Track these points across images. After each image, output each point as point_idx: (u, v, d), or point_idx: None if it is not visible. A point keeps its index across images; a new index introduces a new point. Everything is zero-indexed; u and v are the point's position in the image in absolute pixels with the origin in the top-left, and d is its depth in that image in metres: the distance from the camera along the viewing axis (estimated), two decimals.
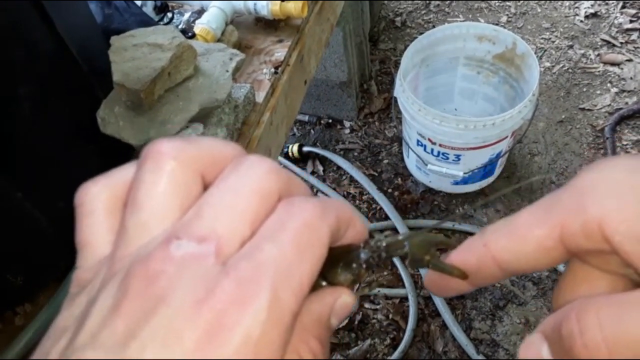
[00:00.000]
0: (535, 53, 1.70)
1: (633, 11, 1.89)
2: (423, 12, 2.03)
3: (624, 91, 1.70)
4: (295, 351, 0.18)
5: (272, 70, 0.81)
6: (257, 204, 0.18)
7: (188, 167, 0.19)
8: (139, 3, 0.82)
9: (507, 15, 1.97)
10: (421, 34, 1.41)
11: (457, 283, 0.25)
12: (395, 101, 1.37)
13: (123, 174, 0.21)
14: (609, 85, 1.72)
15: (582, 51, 1.82)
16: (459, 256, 0.24)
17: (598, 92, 1.71)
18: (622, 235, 0.19)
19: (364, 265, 0.22)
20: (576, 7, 1.95)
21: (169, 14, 0.87)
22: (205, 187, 0.20)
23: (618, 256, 0.19)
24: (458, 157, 1.35)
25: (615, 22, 1.88)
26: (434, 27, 1.91)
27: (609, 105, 1.67)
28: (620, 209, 0.19)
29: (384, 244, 0.23)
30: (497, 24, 1.88)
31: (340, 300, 0.21)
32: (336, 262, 0.22)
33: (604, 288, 0.22)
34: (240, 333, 0.15)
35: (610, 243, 0.19)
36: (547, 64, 1.80)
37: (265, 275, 0.16)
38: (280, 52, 0.83)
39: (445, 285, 0.26)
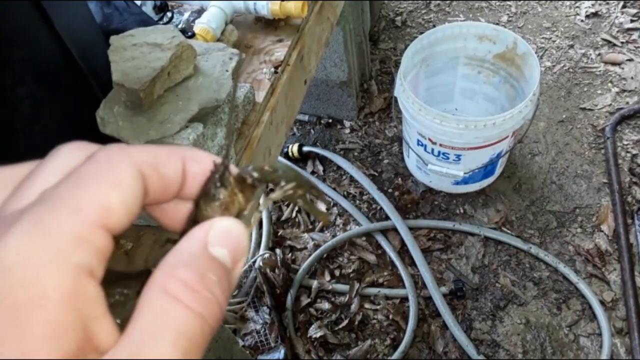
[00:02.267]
0: (536, 52, 1.70)
1: (634, 11, 1.89)
2: (423, 11, 2.03)
3: (624, 91, 1.70)
4: (160, 288, 0.18)
5: (272, 69, 0.80)
6: None
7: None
8: (138, 3, 0.82)
9: (508, 14, 1.97)
10: (421, 33, 1.41)
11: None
12: (396, 101, 1.36)
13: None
14: (609, 85, 1.72)
15: (583, 51, 1.81)
16: None
17: (599, 91, 1.71)
18: None
19: (222, 187, 0.22)
20: (577, 7, 1.94)
21: (169, 14, 0.87)
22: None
23: None
24: (458, 157, 1.35)
25: (616, 21, 1.87)
26: (434, 26, 1.90)
27: (610, 105, 1.67)
28: None
29: (250, 167, 0.23)
30: (497, 24, 1.87)
31: (215, 229, 0.20)
32: (200, 200, 0.22)
33: None
34: None
35: None
36: (548, 64, 1.80)
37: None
38: (280, 52, 0.83)
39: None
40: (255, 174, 0.23)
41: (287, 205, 1.59)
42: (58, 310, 0.16)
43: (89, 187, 0.18)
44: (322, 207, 0.25)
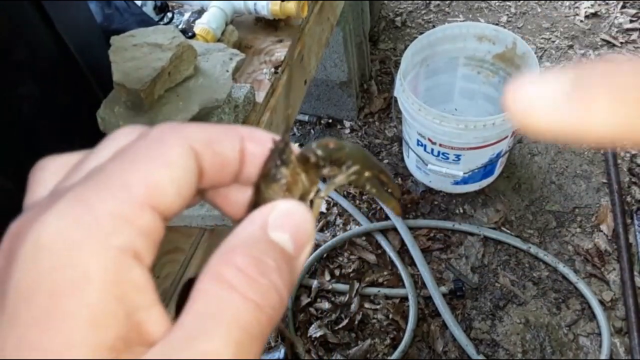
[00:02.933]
0: (536, 53, 1.70)
1: (633, 11, 1.89)
2: (423, 12, 2.03)
3: None
4: (215, 275, 0.17)
5: (272, 70, 0.81)
6: None
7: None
8: (139, 3, 0.82)
9: (507, 15, 1.97)
10: (421, 33, 1.41)
11: None
12: (395, 101, 1.37)
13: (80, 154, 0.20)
14: None
15: (582, 51, 1.82)
16: None
17: None
18: None
19: (283, 166, 0.20)
20: (576, 7, 1.95)
21: (169, 14, 0.87)
22: None
23: None
24: (458, 157, 1.35)
25: (616, 22, 1.88)
26: (434, 27, 1.91)
27: None
28: None
29: (314, 144, 0.21)
30: (497, 24, 1.88)
31: (276, 211, 0.19)
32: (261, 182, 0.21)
33: None
34: None
35: None
36: (547, 64, 1.80)
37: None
38: (280, 52, 0.83)
39: None
40: (320, 152, 0.21)
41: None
42: (98, 296, 0.15)
43: (136, 164, 0.17)
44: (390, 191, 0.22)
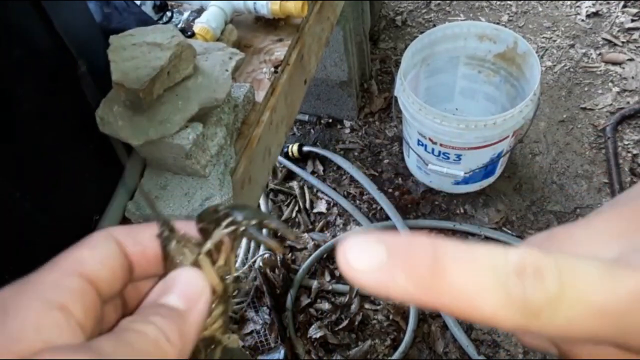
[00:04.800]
0: (537, 52, 1.70)
1: (634, 10, 1.88)
2: (424, 11, 2.03)
3: (625, 90, 1.69)
4: (111, 333, 0.20)
5: (272, 69, 0.80)
6: None
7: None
8: (138, 2, 0.81)
9: (508, 14, 1.97)
10: (422, 33, 1.41)
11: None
12: (396, 100, 1.36)
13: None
14: (610, 84, 1.72)
15: (584, 50, 1.81)
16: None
17: (599, 91, 1.71)
18: None
19: (168, 246, 0.24)
20: (577, 6, 1.94)
21: (168, 13, 0.87)
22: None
23: None
24: (459, 156, 1.35)
25: (617, 21, 1.87)
26: (434, 26, 1.90)
27: (611, 104, 1.67)
28: None
29: (198, 215, 0.24)
30: (498, 23, 1.87)
31: (164, 281, 0.23)
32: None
33: None
34: None
35: None
36: (549, 63, 1.80)
37: None
38: (280, 51, 0.83)
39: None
40: (199, 221, 0.24)
41: (287, 205, 1.59)
42: (20, 328, 0.19)
43: (67, 253, 0.22)
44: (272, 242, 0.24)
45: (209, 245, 0.24)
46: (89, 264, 0.22)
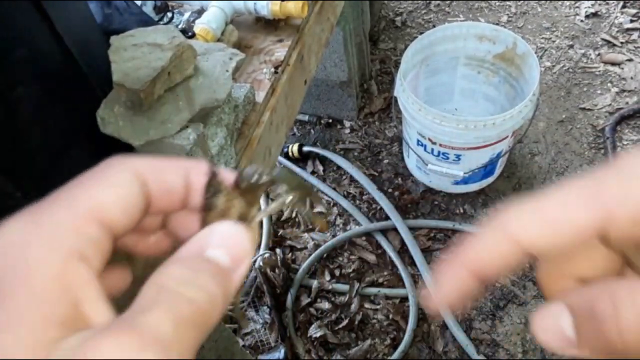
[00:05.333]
0: (536, 53, 1.70)
1: (633, 11, 1.89)
2: (423, 11, 2.03)
3: (624, 91, 1.70)
4: (153, 283, 0.19)
5: (272, 70, 0.81)
6: None
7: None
8: (138, 3, 0.82)
9: (508, 14, 1.97)
10: (421, 33, 1.41)
11: (471, 288, 0.23)
12: (396, 101, 1.36)
13: None
14: (609, 85, 1.72)
15: (583, 51, 1.82)
16: (479, 253, 0.22)
17: (598, 91, 1.71)
18: None
19: (216, 195, 0.23)
20: (576, 7, 1.94)
21: (169, 14, 0.87)
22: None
23: None
24: (458, 157, 1.35)
25: (616, 21, 1.87)
26: (434, 26, 1.90)
27: (610, 105, 1.67)
28: None
29: (245, 170, 0.23)
30: (497, 24, 1.87)
31: (212, 232, 0.21)
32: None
33: (603, 267, 0.22)
34: None
35: None
36: (548, 64, 1.80)
37: None
38: (280, 52, 0.83)
39: (458, 295, 0.23)
40: (253, 179, 0.23)
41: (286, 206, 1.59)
42: (45, 282, 0.17)
43: (84, 187, 0.20)
44: (319, 209, 0.25)
45: (262, 214, 0.24)
46: (110, 210, 0.20)
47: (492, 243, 0.21)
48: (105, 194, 0.20)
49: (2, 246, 0.18)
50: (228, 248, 0.21)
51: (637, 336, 0.18)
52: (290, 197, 0.24)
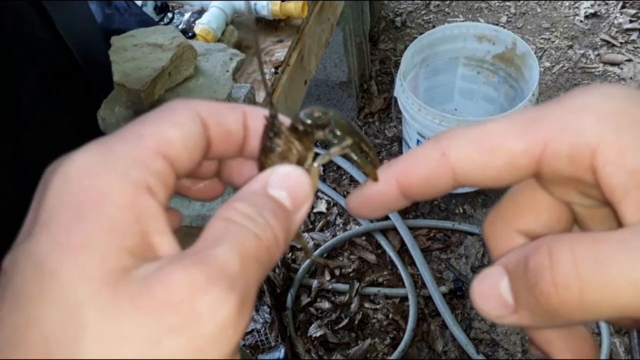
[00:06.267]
0: (535, 53, 1.70)
1: (633, 11, 1.89)
2: (423, 12, 2.04)
3: None
4: (219, 216, 0.19)
5: (272, 70, 0.81)
6: None
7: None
8: (139, 3, 0.82)
9: (507, 15, 1.97)
10: (421, 34, 1.41)
11: (394, 203, 0.23)
12: (395, 101, 1.37)
13: None
14: None
15: (582, 51, 1.82)
16: (409, 162, 0.22)
17: None
18: (614, 166, 0.17)
19: (276, 137, 0.23)
20: (576, 7, 1.95)
21: (169, 14, 0.87)
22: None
23: (598, 188, 0.18)
24: None
25: (615, 22, 1.88)
26: (433, 27, 1.91)
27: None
28: (618, 138, 0.17)
29: (301, 114, 0.23)
30: (497, 24, 1.88)
31: (275, 173, 0.21)
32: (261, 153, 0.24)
33: (548, 218, 0.21)
34: None
35: (596, 172, 0.18)
36: (547, 64, 1.80)
37: None
38: (280, 52, 0.83)
39: (376, 201, 0.23)
40: (308, 121, 0.23)
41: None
42: (117, 210, 0.17)
43: (148, 123, 0.21)
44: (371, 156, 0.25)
45: (323, 159, 0.24)
46: (174, 146, 0.20)
47: (425, 158, 0.21)
48: (171, 130, 0.20)
49: (74, 173, 0.18)
50: (290, 189, 0.21)
51: (576, 294, 0.16)
52: (349, 141, 0.24)
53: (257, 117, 0.23)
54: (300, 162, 0.23)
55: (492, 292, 0.19)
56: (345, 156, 0.26)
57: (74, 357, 0.15)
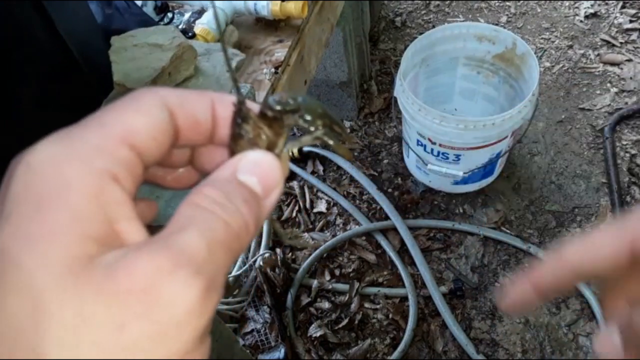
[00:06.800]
0: (535, 53, 1.70)
1: (633, 11, 1.89)
2: (423, 12, 2.04)
3: (623, 91, 1.70)
4: (188, 202, 0.19)
5: (272, 70, 0.81)
6: None
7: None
8: (139, 3, 0.82)
9: (507, 15, 1.97)
10: (421, 34, 1.41)
11: (530, 297, 0.29)
12: (395, 101, 1.37)
13: None
14: (608, 85, 1.72)
15: (582, 51, 1.82)
16: (537, 272, 0.28)
17: (598, 92, 1.71)
18: None
19: (244, 123, 0.22)
20: (576, 7, 1.95)
21: (170, 14, 0.87)
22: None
23: None
24: (458, 157, 1.35)
25: (615, 22, 1.88)
26: (433, 27, 1.91)
27: (609, 105, 1.67)
28: None
29: (270, 99, 0.23)
30: (497, 24, 1.88)
31: (245, 159, 0.21)
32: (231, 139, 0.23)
33: None
34: None
35: None
36: (547, 64, 1.80)
37: None
38: (280, 52, 0.83)
39: (522, 302, 0.29)
40: (277, 107, 0.23)
41: (287, 205, 1.60)
42: (80, 198, 0.17)
43: (113, 112, 0.20)
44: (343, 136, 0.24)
45: (294, 144, 0.23)
46: (140, 135, 0.20)
47: (550, 264, 0.28)
48: (136, 119, 0.20)
49: (37, 163, 0.18)
50: (260, 175, 0.21)
51: None
52: (320, 131, 0.24)
53: (226, 103, 0.23)
54: (270, 148, 0.23)
55: (610, 342, 0.27)
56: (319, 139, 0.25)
57: (39, 344, 0.16)
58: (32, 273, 0.16)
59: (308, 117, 0.23)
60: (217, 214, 0.19)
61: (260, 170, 0.21)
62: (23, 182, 0.18)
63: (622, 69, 1.75)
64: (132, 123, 0.20)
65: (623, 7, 1.91)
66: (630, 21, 1.86)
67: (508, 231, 1.46)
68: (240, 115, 0.23)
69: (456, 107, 1.65)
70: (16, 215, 0.17)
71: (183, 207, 0.19)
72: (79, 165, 0.18)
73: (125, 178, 0.19)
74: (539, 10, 1.97)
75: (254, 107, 0.23)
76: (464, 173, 1.39)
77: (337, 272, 1.44)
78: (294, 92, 0.23)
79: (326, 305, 1.40)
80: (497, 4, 2.01)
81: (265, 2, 0.82)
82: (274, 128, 0.23)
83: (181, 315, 0.16)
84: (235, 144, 0.23)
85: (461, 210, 1.52)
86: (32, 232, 0.17)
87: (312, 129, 0.24)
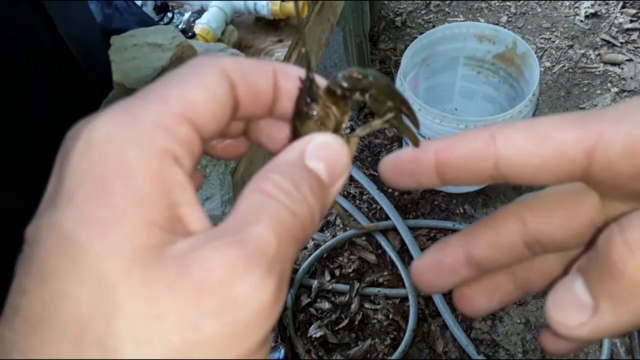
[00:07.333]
0: (536, 53, 1.70)
1: (633, 11, 1.89)
2: (423, 12, 2.03)
3: (624, 91, 1.70)
4: (255, 188, 0.18)
5: None
6: None
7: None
8: (139, 3, 0.82)
9: (507, 15, 1.97)
10: (421, 33, 1.41)
11: (426, 177, 0.22)
12: None
13: None
14: (609, 85, 1.72)
15: (583, 51, 1.82)
16: (453, 139, 0.21)
17: (598, 92, 1.71)
18: None
19: (313, 102, 0.21)
20: (576, 7, 1.95)
21: (169, 14, 0.87)
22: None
23: None
24: None
25: (616, 22, 1.88)
26: (434, 27, 1.91)
27: (609, 105, 1.67)
28: None
29: (339, 76, 0.21)
30: (497, 24, 1.88)
31: (313, 142, 0.20)
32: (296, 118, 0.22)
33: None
34: None
35: None
36: (548, 64, 1.80)
37: None
38: (280, 52, 0.83)
39: (409, 168, 0.23)
40: (345, 84, 0.21)
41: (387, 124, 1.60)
42: (143, 182, 0.17)
43: (174, 85, 0.19)
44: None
45: (364, 130, 0.22)
46: (200, 110, 0.19)
47: (471, 137, 0.21)
48: (197, 93, 0.19)
49: (98, 141, 0.17)
50: (327, 161, 0.20)
51: None
52: (391, 114, 0.22)
53: (289, 76, 0.22)
54: (336, 129, 0.22)
55: (568, 297, 0.18)
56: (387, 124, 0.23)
57: (107, 335, 0.15)
58: (100, 262, 0.15)
59: (380, 97, 0.22)
60: (285, 204, 0.18)
61: (328, 155, 0.20)
62: (83, 162, 0.17)
63: (622, 68, 1.75)
64: (192, 98, 0.19)
65: (623, 7, 1.91)
66: (631, 21, 1.86)
67: None
68: (309, 93, 0.21)
69: (456, 107, 1.65)
70: (78, 197, 0.16)
71: (250, 194, 0.18)
72: (140, 145, 0.17)
73: (185, 158, 0.18)
74: (539, 10, 1.97)
75: (321, 83, 0.22)
76: None
77: (337, 272, 1.44)
78: (361, 66, 0.22)
79: (326, 305, 1.40)
80: (497, 4, 2.01)
81: (265, 1, 0.82)
82: (340, 107, 0.22)
83: (254, 316, 0.16)
84: (301, 123, 0.21)
85: (462, 211, 1.52)
86: (97, 218, 0.16)
87: (382, 110, 0.22)
